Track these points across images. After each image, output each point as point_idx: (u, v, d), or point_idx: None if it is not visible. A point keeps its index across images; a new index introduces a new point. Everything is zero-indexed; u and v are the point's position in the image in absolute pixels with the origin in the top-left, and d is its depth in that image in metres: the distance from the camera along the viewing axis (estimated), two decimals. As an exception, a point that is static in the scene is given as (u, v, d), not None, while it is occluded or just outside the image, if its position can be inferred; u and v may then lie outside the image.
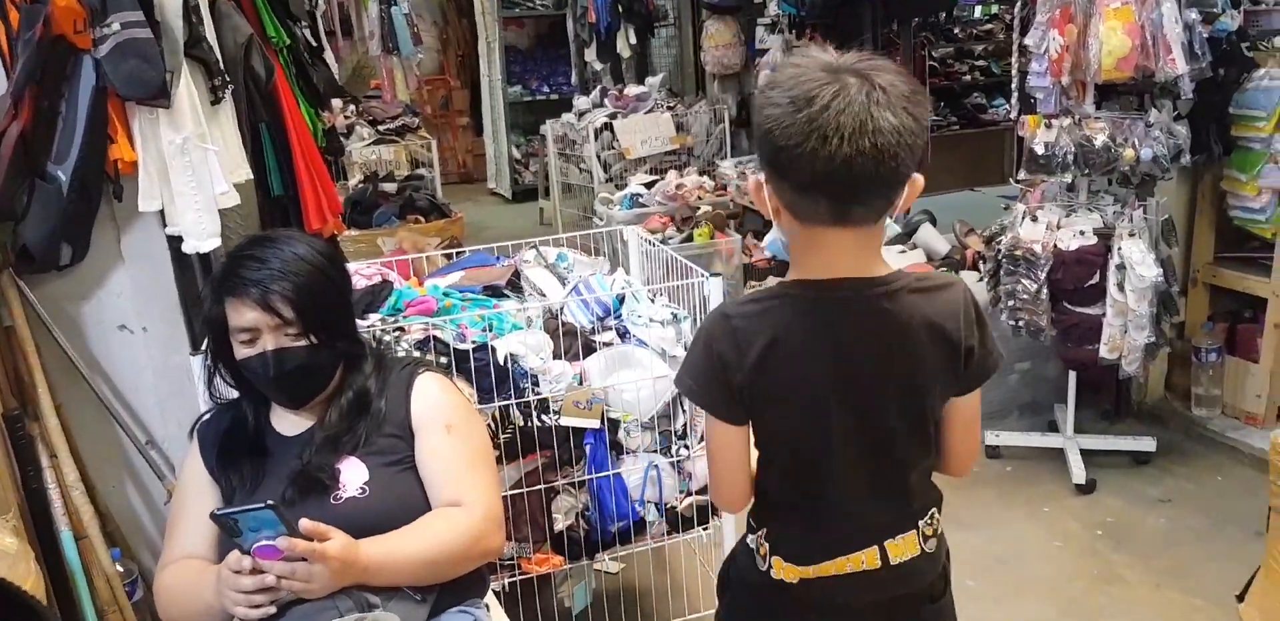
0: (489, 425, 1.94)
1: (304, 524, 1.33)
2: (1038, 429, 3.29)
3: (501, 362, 1.94)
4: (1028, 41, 3.06)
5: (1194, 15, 2.96)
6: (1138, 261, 2.86)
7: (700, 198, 5.10)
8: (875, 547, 1.24)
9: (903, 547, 1.25)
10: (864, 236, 1.13)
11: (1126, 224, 2.93)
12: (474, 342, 1.94)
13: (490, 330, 2.00)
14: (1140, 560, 2.58)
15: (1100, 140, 2.93)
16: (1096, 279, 2.92)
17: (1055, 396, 3.35)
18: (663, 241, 4.70)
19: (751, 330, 1.15)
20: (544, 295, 2.23)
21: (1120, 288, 2.88)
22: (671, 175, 5.35)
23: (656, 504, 2.13)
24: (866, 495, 1.23)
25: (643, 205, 5.10)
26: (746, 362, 1.15)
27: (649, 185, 5.25)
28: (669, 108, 5.86)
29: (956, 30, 6.22)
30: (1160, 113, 3.00)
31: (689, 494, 2.17)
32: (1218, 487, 2.93)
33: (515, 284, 2.30)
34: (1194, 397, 3.30)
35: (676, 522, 2.16)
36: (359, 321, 1.91)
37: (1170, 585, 2.47)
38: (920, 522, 1.26)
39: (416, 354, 1.90)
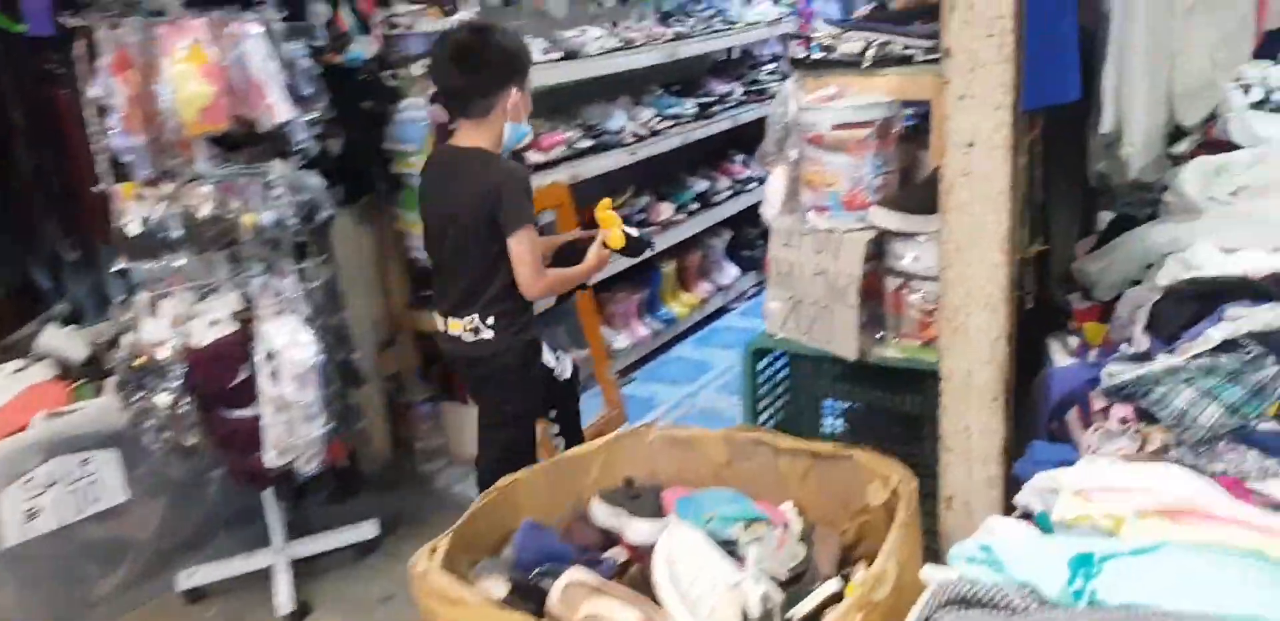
0: None
1: None
2: (254, 544, 2.71)
3: None
4: (96, 91, 2.45)
5: (297, 49, 2.62)
6: (288, 344, 2.48)
7: None
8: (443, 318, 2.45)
9: (457, 326, 2.39)
10: (467, 126, 2.38)
11: (271, 301, 2.53)
12: None
13: None
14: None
15: (207, 210, 2.46)
16: (246, 374, 2.48)
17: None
18: None
19: None
20: None
21: (276, 378, 2.49)
22: None
23: None
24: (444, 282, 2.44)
25: None
26: None
27: None
28: None
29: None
30: (284, 165, 2.63)
31: None
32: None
33: None
34: (419, 453, 3.11)
35: None
36: None
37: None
38: (466, 317, 2.37)
39: None
